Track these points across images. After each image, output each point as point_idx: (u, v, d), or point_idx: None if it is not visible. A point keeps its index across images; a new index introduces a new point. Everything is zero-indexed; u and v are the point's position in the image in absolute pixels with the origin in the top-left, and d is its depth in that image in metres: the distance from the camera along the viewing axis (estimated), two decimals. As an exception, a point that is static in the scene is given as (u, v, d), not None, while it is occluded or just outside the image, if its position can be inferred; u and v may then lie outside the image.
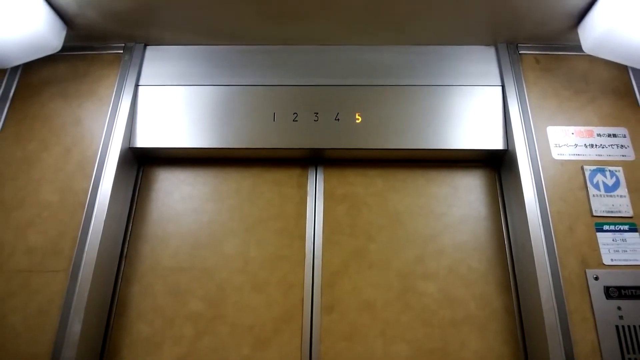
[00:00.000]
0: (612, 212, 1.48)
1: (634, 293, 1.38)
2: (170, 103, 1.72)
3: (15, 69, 1.77)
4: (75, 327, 1.38)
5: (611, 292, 1.38)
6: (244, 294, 1.60)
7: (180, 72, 1.77)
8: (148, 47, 1.82)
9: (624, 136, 1.59)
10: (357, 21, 1.66)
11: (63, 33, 1.67)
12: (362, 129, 1.67)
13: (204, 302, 1.59)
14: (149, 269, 1.65)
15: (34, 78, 1.77)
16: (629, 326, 1.34)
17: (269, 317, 1.57)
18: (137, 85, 1.74)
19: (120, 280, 1.63)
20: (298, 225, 1.70)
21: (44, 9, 1.54)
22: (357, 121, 1.67)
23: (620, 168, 1.54)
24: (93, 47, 1.80)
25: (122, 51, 1.80)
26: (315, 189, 1.75)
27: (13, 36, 1.52)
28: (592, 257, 1.43)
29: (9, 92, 1.74)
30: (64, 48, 1.67)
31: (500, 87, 1.71)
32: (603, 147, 1.58)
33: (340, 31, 1.72)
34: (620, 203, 1.49)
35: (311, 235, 1.68)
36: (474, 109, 1.68)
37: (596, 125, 1.61)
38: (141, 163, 1.81)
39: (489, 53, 1.77)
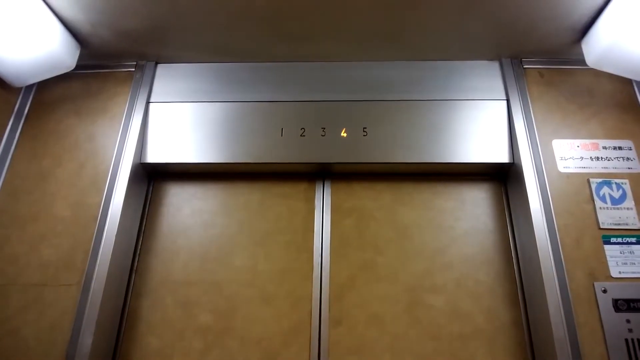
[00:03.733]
0: (619, 224, 1.48)
1: (643, 306, 1.38)
2: (180, 119, 1.76)
3: (30, 87, 1.82)
4: (87, 340, 1.40)
5: (620, 305, 1.37)
6: (253, 307, 1.61)
7: (190, 89, 1.81)
8: (159, 65, 1.87)
9: (630, 149, 1.60)
10: (363, 38, 1.69)
11: (77, 52, 1.71)
12: (369, 143, 1.69)
13: (213, 315, 1.61)
14: (159, 283, 1.67)
15: (48, 96, 1.81)
16: (638, 339, 1.33)
17: (277, 331, 1.58)
18: (148, 102, 1.78)
19: (130, 293, 1.65)
20: (306, 238, 1.72)
21: (58, 29, 1.59)
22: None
23: (626, 180, 1.54)
24: (106, 65, 1.85)
25: (134, 69, 1.84)
26: (323, 203, 1.77)
27: (28, 56, 1.57)
28: (599, 269, 1.43)
29: (24, 109, 1.79)
30: (78, 66, 1.72)
31: (505, 101, 1.72)
32: (609, 160, 1.58)
33: (347, 48, 1.75)
34: (627, 215, 1.49)
35: (319, 249, 1.69)
36: (479, 123, 1.70)
37: (601, 138, 1.62)
38: (152, 178, 1.84)
39: (494, 68, 1.80)
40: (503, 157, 1.65)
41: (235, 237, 1.73)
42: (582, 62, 1.63)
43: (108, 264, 1.49)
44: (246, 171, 1.81)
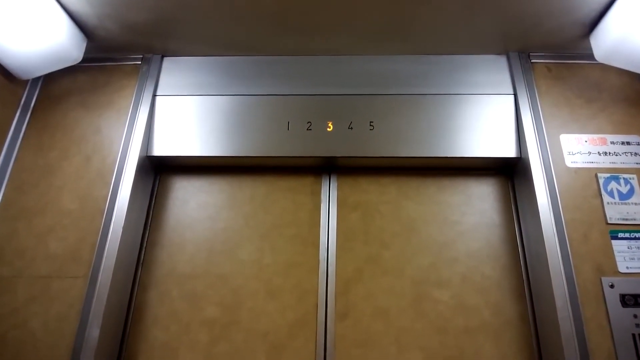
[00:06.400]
0: (627, 219, 1.48)
1: (650, 301, 1.37)
2: (186, 112, 1.76)
3: (36, 79, 1.82)
4: (94, 332, 1.40)
5: (627, 300, 1.37)
6: (259, 300, 1.62)
7: (196, 82, 1.81)
8: (165, 58, 1.86)
9: (638, 144, 1.59)
10: (370, 32, 1.68)
11: (83, 45, 1.71)
12: (375, 138, 1.68)
13: (219, 308, 1.61)
14: (166, 275, 1.67)
15: (54, 89, 1.81)
16: (645, 334, 1.33)
17: (283, 324, 1.58)
18: (154, 95, 1.78)
19: (137, 286, 1.66)
20: (312, 232, 1.72)
21: (65, 22, 1.59)
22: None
23: (634, 176, 1.54)
24: (112, 58, 1.85)
25: (140, 62, 1.84)
26: (329, 197, 1.77)
27: (35, 48, 1.57)
28: (607, 264, 1.42)
29: (30, 102, 1.79)
30: (84, 59, 1.72)
31: (512, 96, 1.72)
32: (617, 155, 1.57)
33: (354, 42, 1.74)
34: (635, 211, 1.49)
35: (325, 242, 1.69)
36: (486, 117, 1.69)
37: (609, 133, 1.61)
38: (158, 171, 1.84)
39: (501, 62, 1.79)
40: (510, 152, 1.64)
41: (241, 230, 1.73)
42: (591, 56, 1.62)
43: (115, 257, 1.49)
44: (252, 165, 1.81)
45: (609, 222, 1.48)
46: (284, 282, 1.64)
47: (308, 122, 1.72)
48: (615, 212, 1.49)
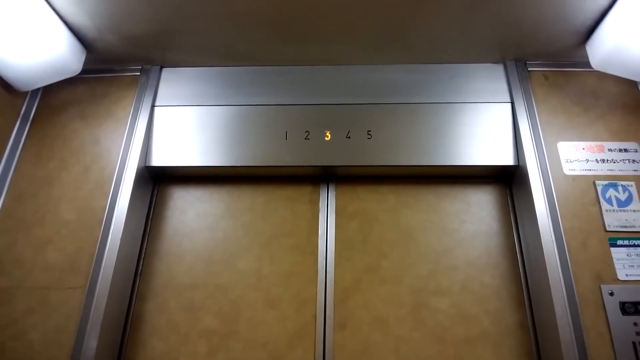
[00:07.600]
0: (625, 227, 1.47)
1: (650, 309, 1.36)
2: (185, 123, 1.77)
3: (35, 91, 1.83)
4: (92, 343, 1.40)
5: (627, 308, 1.36)
6: (258, 310, 1.61)
7: (195, 92, 1.82)
8: (164, 69, 1.87)
9: (636, 151, 1.59)
10: (368, 42, 1.69)
11: (83, 56, 1.72)
12: (373, 146, 1.69)
13: (218, 318, 1.60)
14: (164, 286, 1.67)
15: (54, 100, 1.82)
16: (646, 342, 1.32)
17: (282, 334, 1.57)
18: (153, 106, 1.79)
19: (135, 296, 1.66)
20: (310, 241, 1.71)
21: (65, 34, 1.60)
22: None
23: (632, 183, 1.54)
24: (111, 69, 1.86)
25: (139, 73, 1.85)
26: (327, 206, 1.77)
27: (35, 60, 1.58)
28: (606, 272, 1.42)
29: (30, 113, 1.80)
30: (83, 70, 1.72)
31: (509, 104, 1.72)
32: (614, 162, 1.57)
33: (352, 51, 1.76)
34: (634, 218, 1.48)
35: (323, 252, 1.69)
36: (483, 126, 1.70)
37: (607, 140, 1.62)
38: (157, 181, 1.85)
39: (498, 70, 1.80)
40: (508, 160, 1.65)
41: (240, 240, 1.73)
42: (587, 64, 1.63)
43: (113, 267, 1.49)
44: (251, 174, 1.81)
45: (608, 229, 1.47)
46: (283, 292, 1.64)
47: (306, 132, 1.72)
48: (613, 219, 1.48)
